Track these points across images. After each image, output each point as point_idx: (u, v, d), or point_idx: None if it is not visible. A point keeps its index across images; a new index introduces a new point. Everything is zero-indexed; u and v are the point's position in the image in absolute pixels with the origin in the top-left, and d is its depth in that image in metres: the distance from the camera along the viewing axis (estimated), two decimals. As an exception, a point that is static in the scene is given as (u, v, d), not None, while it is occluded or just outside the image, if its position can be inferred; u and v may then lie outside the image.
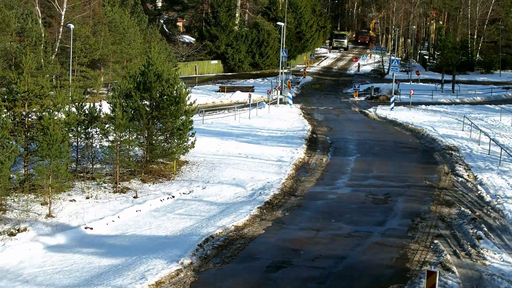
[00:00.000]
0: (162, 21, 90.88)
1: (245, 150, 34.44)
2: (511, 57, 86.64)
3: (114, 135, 26.99)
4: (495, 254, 19.08)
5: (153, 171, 28.77)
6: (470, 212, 23.65)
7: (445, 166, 31.78)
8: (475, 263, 18.39)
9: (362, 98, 60.26)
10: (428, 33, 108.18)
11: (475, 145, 36.61)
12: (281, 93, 54.96)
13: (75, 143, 27.92)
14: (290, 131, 40.86)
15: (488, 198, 25.66)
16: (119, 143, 26.79)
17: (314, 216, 23.47)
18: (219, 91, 62.11)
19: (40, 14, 54.80)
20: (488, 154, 34.01)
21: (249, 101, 49.46)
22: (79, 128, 27.83)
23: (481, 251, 19.25)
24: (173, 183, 27.92)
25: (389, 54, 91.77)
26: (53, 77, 49.53)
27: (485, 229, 21.44)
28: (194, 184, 27.74)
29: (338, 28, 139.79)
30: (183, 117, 30.59)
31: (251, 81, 71.14)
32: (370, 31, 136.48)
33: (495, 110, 51.28)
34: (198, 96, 45.76)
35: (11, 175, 23.34)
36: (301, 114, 48.89)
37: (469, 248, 19.52)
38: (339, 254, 19.15)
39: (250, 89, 61.37)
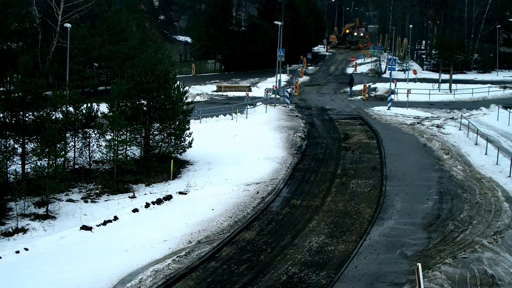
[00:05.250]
0: (159, 21, 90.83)
1: (242, 150, 34.45)
2: (508, 56, 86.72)
3: (112, 134, 26.99)
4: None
5: (150, 171, 28.73)
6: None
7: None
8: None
9: (359, 97, 60.20)
10: (425, 32, 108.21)
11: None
12: (278, 93, 54.88)
13: (72, 143, 27.87)
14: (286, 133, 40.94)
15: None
16: (116, 142, 26.77)
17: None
18: (216, 90, 62.06)
19: (37, 13, 54.72)
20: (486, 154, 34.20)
21: (246, 101, 49.40)
22: (76, 128, 27.81)
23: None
24: (170, 183, 27.91)
25: (386, 53, 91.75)
26: (50, 77, 49.47)
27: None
28: (191, 183, 27.75)
29: (335, 28, 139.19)
30: (180, 116, 30.62)
31: (251, 80, 71.08)
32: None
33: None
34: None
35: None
36: (297, 114, 48.87)
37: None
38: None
39: (247, 89, 61.32)
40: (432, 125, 44.03)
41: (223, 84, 64.60)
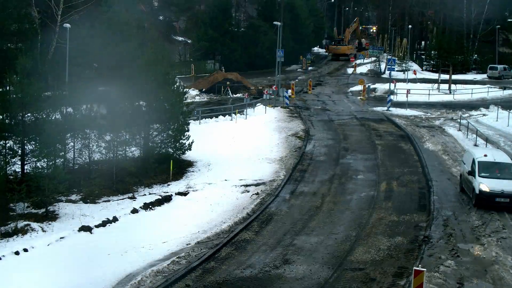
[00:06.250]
0: (159, 21, 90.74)
1: (241, 151, 34.44)
2: (507, 56, 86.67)
3: (111, 135, 26.96)
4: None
5: (150, 172, 28.70)
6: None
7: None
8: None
9: (358, 98, 60.27)
10: (425, 32, 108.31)
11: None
12: (278, 94, 54.88)
13: (71, 143, 27.77)
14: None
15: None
16: (116, 143, 26.75)
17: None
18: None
19: (37, 14, 54.61)
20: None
21: (246, 101, 49.41)
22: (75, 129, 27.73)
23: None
24: (170, 184, 27.91)
25: (385, 53, 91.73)
26: (50, 77, 49.36)
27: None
28: (191, 184, 27.75)
29: (335, 28, 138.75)
30: (180, 117, 30.61)
31: (250, 80, 71.04)
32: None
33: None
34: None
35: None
36: (296, 115, 48.87)
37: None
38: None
39: (247, 90, 61.28)
40: (431, 126, 44.07)
41: (222, 85, 64.25)
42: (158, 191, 26.69)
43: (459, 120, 44.28)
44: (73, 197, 25.20)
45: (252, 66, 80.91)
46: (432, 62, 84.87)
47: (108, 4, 57.57)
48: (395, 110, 50.87)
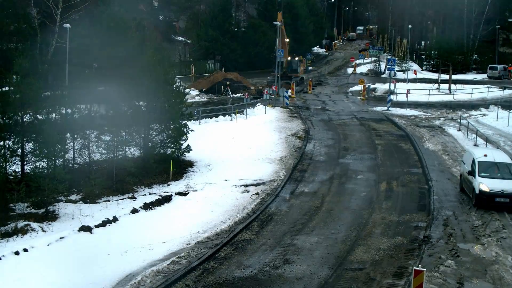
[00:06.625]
0: (159, 21, 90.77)
1: (241, 151, 34.43)
2: (508, 56, 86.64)
3: (111, 135, 26.94)
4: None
5: (150, 172, 28.68)
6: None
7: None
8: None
9: (358, 98, 60.28)
10: (425, 32, 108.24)
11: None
12: (278, 94, 54.89)
13: (71, 143, 27.73)
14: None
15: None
16: (115, 143, 26.72)
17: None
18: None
19: (36, 14, 54.60)
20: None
21: (246, 101, 49.41)
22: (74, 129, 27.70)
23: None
24: (170, 184, 27.88)
25: (385, 53, 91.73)
26: (49, 77, 49.31)
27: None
28: (191, 184, 27.73)
29: (334, 28, 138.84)
30: (179, 119, 30.57)
31: (251, 80, 71.03)
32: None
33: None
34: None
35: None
36: (296, 115, 48.87)
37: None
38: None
39: (247, 90, 61.29)
40: (431, 126, 44.05)
41: (222, 84, 64.30)
42: (158, 191, 26.67)
43: (459, 120, 44.27)
44: (73, 197, 25.18)
45: (252, 66, 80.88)
46: (432, 62, 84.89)
47: (107, 4, 57.57)
48: (395, 110, 50.86)
